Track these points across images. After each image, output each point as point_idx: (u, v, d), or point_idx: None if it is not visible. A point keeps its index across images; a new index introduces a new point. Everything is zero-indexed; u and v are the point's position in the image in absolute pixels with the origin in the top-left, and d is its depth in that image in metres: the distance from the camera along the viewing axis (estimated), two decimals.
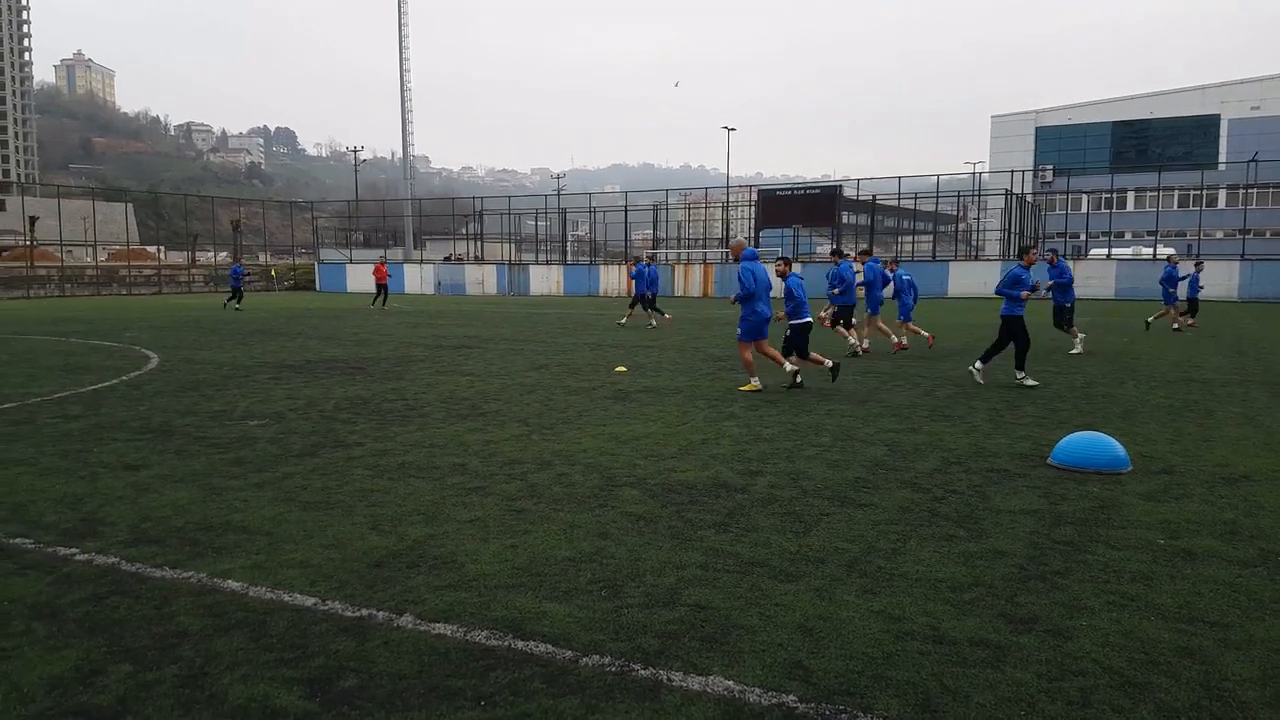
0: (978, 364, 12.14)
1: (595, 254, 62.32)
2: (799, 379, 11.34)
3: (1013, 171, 51.42)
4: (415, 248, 67.23)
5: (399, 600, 4.34)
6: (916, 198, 51.97)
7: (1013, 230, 50.77)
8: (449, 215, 72.35)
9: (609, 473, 6.92)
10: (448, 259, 60.06)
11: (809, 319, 11.81)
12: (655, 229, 58.06)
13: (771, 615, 4.15)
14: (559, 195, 62.56)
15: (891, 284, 16.87)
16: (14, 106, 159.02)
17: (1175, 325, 21.05)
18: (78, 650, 3.80)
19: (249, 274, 36.08)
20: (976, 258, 48.30)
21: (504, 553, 5.03)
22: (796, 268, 16.42)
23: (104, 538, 5.34)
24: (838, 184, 53.12)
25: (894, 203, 52.18)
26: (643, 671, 3.59)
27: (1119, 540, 5.29)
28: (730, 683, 3.49)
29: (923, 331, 16.67)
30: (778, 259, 12.62)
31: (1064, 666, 3.64)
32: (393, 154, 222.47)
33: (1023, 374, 11.81)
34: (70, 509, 5.97)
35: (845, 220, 52.15)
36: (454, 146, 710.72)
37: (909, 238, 53.61)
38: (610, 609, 4.22)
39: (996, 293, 12.01)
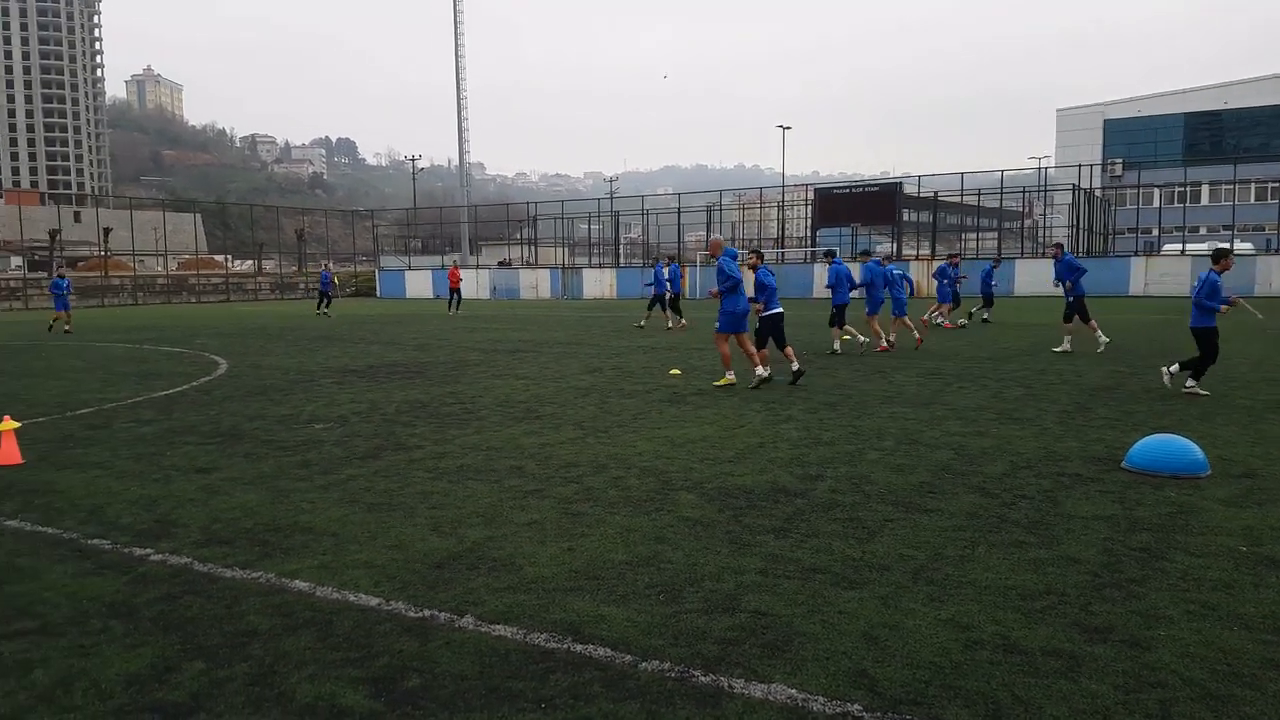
0: (1188, 381, 10.79)
1: (648, 256, 62.39)
2: (768, 376, 11.83)
3: (1080, 166, 50.09)
4: (471, 253, 68.06)
5: (460, 601, 4.38)
6: (980, 194, 50.92)
7: (1081, 226, 49.47)
8: (503, 221, 73.14)
9: (665, 476, 6.90)
10: (501, 264, 60.67)
11: (779, 310, 12.15)
12: (709, 230, 57.88)
13: (834, 623, 4.08)
14: (611, 198, 62.83)
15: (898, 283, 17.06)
16: (87, 121, 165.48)
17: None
18: (153, 648, 3.90)
19: (336, 281, 36.79)
20: (1043, 255, 47.18)
21: (561, 555, 5.04)
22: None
23: (177, 539, 5.49)
24: (897, 181, 52.32)
25: (956, 199, 51.22)
26: (703, 678, 3.56)
27: (1198, 547, 5.09)
28: (793, 691, 3.44)
29: (916, 331, 17.19)
30: (750, 253, 12.80)
31: (1142, 678, 3.51)
32: (449, 162, 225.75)
33: (1193, 383, 10.72)
34: (145, 510, 6.15)
35: (905, 218, 51.40)
36: (508, 153, 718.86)
37: (972, 235, 52.61)
38: (669, 614, 4.20)
39: (1196, 302, 10.62)
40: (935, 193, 50.26)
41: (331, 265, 53.09)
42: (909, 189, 50.72)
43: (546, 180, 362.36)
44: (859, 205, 49.89)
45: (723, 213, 58.10)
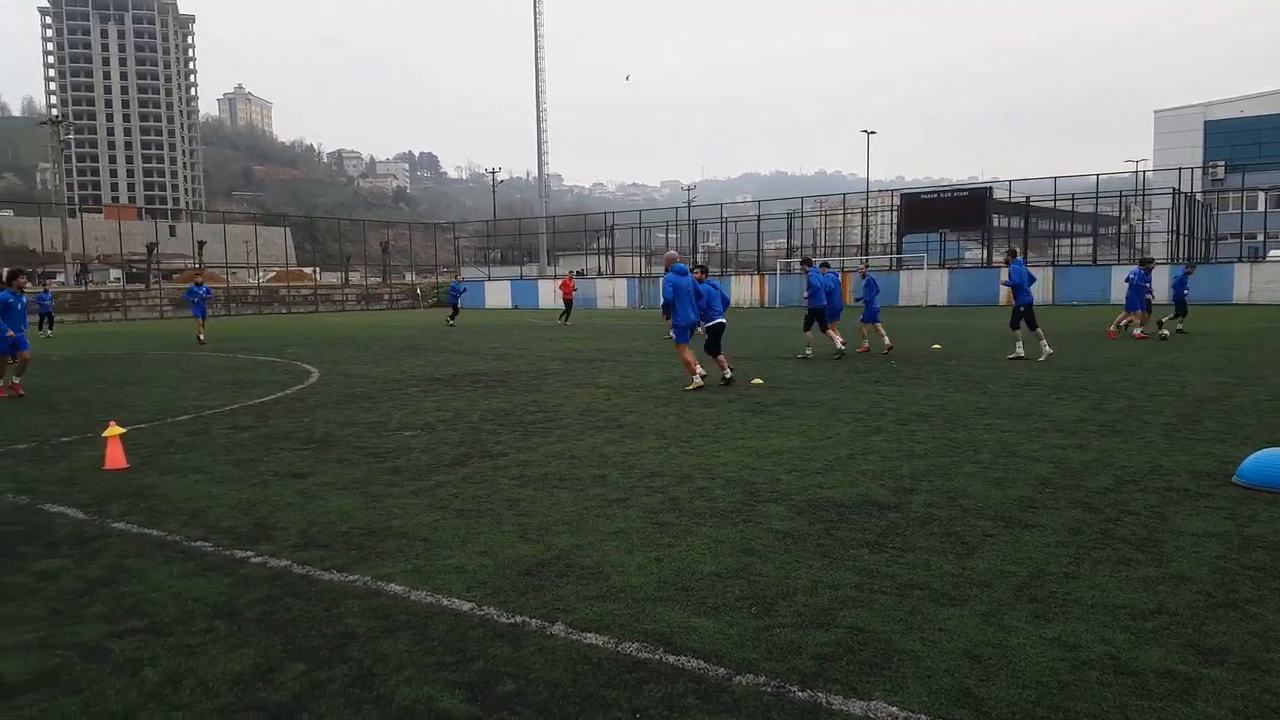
0: None
1: (726, 264, 62.18)
2: (730, 376, 13.05)
3: (1180, 169, 48.18)
4: (549, 264, 68.92)
5: (550, 608, 4.39)
6: (1074, 198, 49.30)
7: (1180, 231, 47.53)
8: (581, 231, 73.83)
9: (750, 487, 6.82)
10: (579, 273, 61.23)
11: (720, 321, 13.28)
12: (789, 237, 57.37)
13: (935, 640, 3.96)
14: (689, 207, 62.86)
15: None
16: (182, 139, 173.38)
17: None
18: (256, 649, 4.00)
19: (465, 290, 37.56)
20: (1140, 261, 45.48)
21: (649, 565, 5.01)
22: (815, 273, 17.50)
23: (276, 541, 5.65)
24: (987, 185, 51.03)
25: (1049, 204, 49.71)
26: (800, 693, 3.48)
27: None
28: (894, 708, 3.34)
29: (886, 338, 17.86)
30: (694, 267, 13.70)
31: (1262, 702, 3.32)
32: (528, 174, 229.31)
33: None
34: (244, 514, 6.34)
35: (996, 223, 50.13)
36: (585, 163, 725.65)
37: (1066, 240, 51.00)
38: (761, 627, 4.12)
39: None
40: (1027, 197, 48.89)
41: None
42: (1000, 194, 49.42)
43: (623, 190, 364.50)
44: (947, 211, 48.87)
45: (804, 219, 57.48)
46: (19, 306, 12.91)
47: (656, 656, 3.83)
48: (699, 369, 12.80)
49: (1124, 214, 56.55)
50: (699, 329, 13.09)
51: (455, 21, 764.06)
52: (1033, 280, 16.52)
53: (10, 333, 12.54)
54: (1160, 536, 5.42)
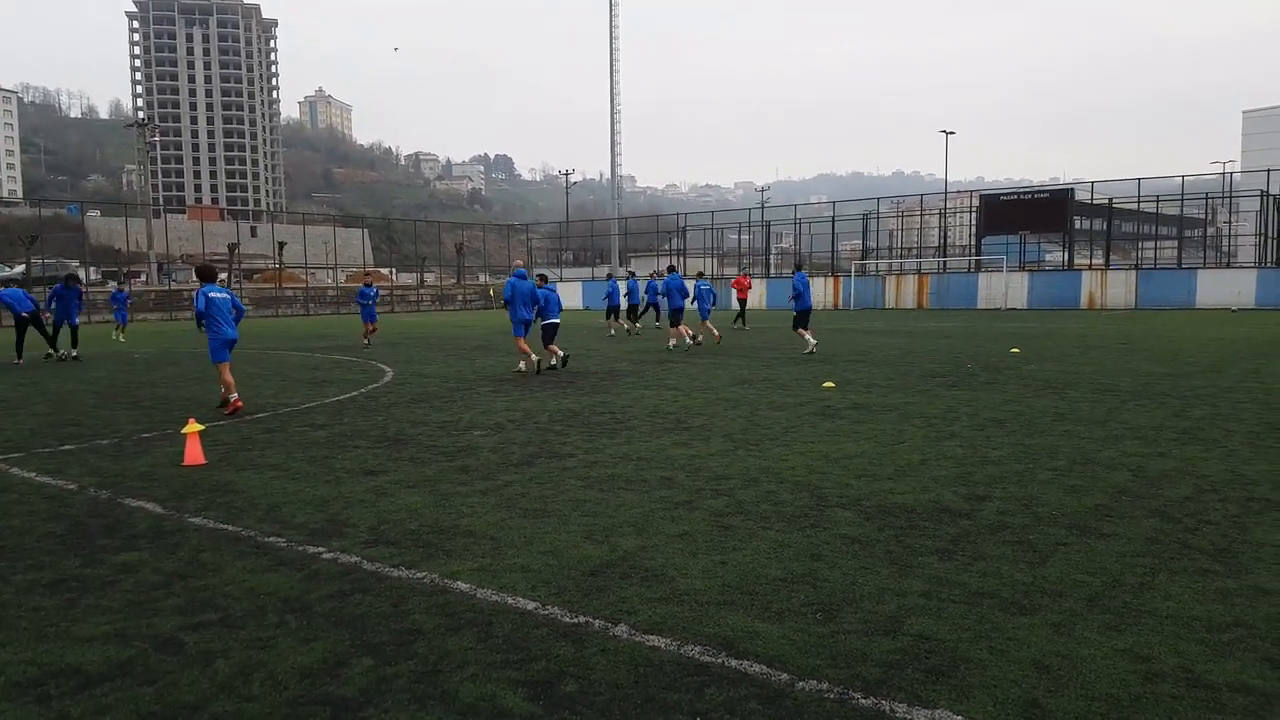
0: None
1: (800, 266, 61.47)
2: (543, 366, 16.13)
3: (1269, 171, 46.05)
4: (620, 265, 69.19)
5: (614, 609, 4.40)
6: (1159, 200, 47.56)
7: (1269, 234, 45.49)
8: (653, 232, 73.96)
9: (819, 492, 6.74)
10: (653, 275, 61.29)
11: (555, 320, 16.40)
12: (864, 238, 56.49)
13: (1003, 650, 3.86)
14: (763, 208, 62.35)
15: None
16: (264, 141, 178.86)
17: None
18: (325, 643, 4.11)
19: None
20: (1228, 265, 43.60)
21: (713, 569, 4.99)
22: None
23: (347, 538, 5.79)
24: (1068, 187, 49.53)
25: (1132, 206, 48.03)
26: (863, 700, 3.43)
27: None
28: (959, 718, 3.27)
29: (715, 331, 22.72)
30: (536, 275, 16.74)
31: None
32: (601, 175, 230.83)
33: None
34: (317, 510, 6.51)
35: (1078, 225, 48.67)
36: (658, 165, 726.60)
37: (1150, 243, 49.20)
38: (826, 633, 4.07)
39: None
40: (1110, 199, 47.32)
41: (488, 278, 55.07)
42: (1081, 195, 47.92)
43: (696, 191, 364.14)
44: (1028, 212, 47.68)
45: (880, 220, 56.52)
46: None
47: (719, 660, 3.82)
48: (530, 359, 15.82)
49: (1210, 216, 54.29)
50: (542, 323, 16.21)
51: (535, 23, 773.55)
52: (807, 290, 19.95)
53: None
54: (1239, 547, 5.21)
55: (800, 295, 19.48)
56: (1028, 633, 4.04)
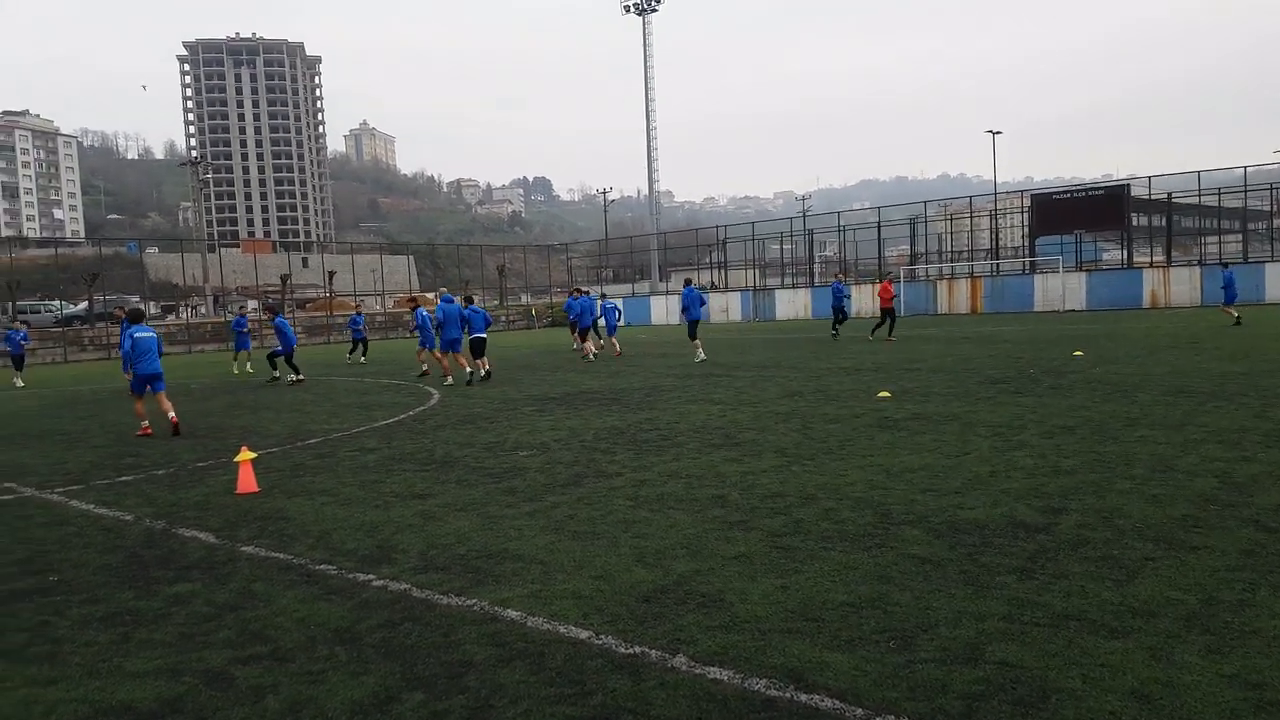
0: None
1: (845, 274, 60.76)
2: (475, 376, 18.33)
3: None
4: (660, 280, 69.11)
5: (670, 639, 4.18)
6: (1220, 193, 46.06)
7: None
8: (692, 246, 73.77)
9: (882, 509, 6.44)
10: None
11: (482, 335, 18.89)
12: (913, 244, 55.56)
13: (1097, 677, 3.55)
14: (804, 217, 61.68)
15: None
16: (313, 175, 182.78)
17: None
18: (375, 676, 3.94)
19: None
20: None
21: (774, 593, 4.74)
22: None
23: (397, 564, 5.64)
24: (1124, 183, 48.26)
25: (1192, 201, 46.61)
26: None
27: None
28: None
29: (618, 346, 25.09)
30: (463, 297, 19.90)
31: None
32: (638, 192, 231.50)
33: None
34: (367, 536, 6.39)
35: (1135, 222, 47.38)
36: (696, 179, 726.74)
37: (1213, 238, 47.64)
38: (901, 663, 3.80)
39: None
40: (1169, 194, 45.96)
41: (530, 299, 55.17)
42: (1138, 191, 46.63)
43: (735, 203, 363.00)
44: (1082, 210, 46.56)
45: (927, 224, 55.56)
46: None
47: (786, 695, 3.57)
48: (465, 370, 18.28)
49: (1275, 208, 52.50)
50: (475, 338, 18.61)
51: (572, 45, 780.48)
52: (703, 302, 22.61)
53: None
54: None
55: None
56: (1122, 658, 3.72)
